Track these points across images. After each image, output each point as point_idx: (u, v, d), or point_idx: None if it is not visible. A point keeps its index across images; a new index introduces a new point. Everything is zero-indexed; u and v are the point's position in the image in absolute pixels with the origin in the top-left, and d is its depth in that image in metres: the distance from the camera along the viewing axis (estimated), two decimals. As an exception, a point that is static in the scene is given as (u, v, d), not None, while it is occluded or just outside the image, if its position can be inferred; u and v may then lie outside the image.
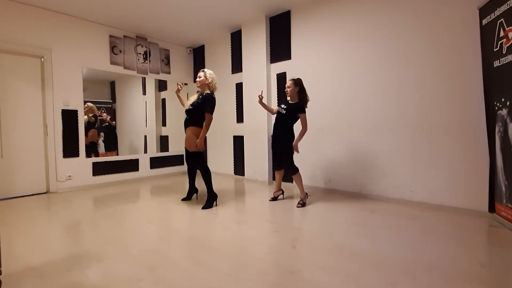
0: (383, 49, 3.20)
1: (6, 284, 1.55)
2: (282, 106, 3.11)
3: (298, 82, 3.04)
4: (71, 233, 2.38)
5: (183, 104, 3.24)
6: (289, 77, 4.10)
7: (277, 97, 4.25)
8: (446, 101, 2.81)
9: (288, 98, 3.13)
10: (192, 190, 3.35)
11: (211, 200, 3.01)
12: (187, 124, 3.01)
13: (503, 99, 2.23)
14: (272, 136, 3.27)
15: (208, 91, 2.99)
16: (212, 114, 2.92)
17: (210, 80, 2.98)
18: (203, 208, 2.94)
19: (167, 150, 5.45)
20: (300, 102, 3.03)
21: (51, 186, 3.90)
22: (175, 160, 5.52)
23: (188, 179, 3.33)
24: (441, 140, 2.84)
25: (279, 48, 4.21)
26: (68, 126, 4.05)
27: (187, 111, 3.02)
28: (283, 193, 3.39)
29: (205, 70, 3.05)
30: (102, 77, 4.65)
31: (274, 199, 3.30)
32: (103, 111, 4.60)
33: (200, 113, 2.94)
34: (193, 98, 3.07)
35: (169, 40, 5.32)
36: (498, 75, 2.28)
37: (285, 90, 3.10)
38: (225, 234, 2.27)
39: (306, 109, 3.03)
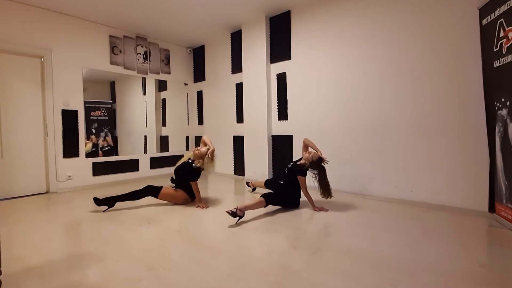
0: (383, 49, 3.20)
1: (6, 284, 1.55)
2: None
3: (317, 164, 2.86)
4: (71, 233, 2.38)
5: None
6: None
7: (277, 97, 4.25)
8: (446, 101, 2.81)
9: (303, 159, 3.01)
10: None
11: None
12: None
13: (503, 99, 2.23)
14: (281, 185, 3.17)
15: (197, 163, 3.15)
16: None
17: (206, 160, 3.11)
18: None
19: (167, 150, 5.45)
20: (307, 167, 2.87)
21: (51, 186, 3.90)
22: (175, 160, 5.49)
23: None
24: (442, 140, 2.84)
25: (279, 48, 4.21)
26: (68, 126, 4.05)
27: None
28: None
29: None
30: (102, 77, 4.65)
31: (254, 189, 3.66)
32: (105, 136, 4.66)
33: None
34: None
35: (169, 40, 5.31)
36: (498, 75, 2.28)
37: (306, 154, 2.97)
38: (225, 234, 2.27)
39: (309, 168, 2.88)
